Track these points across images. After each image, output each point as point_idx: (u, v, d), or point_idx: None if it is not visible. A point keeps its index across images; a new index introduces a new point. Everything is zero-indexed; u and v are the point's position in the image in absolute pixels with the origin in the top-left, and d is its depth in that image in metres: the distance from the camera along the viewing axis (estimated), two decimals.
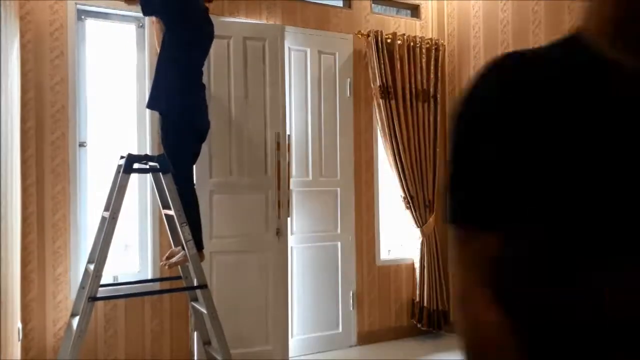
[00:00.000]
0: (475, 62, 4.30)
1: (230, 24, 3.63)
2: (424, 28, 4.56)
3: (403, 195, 4.22)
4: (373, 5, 4.38)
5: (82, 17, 3.40)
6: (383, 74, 4.13)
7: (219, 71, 3.55)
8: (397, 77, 4.20)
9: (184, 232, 2.85)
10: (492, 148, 0.79)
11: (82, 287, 2.91)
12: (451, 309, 4.48)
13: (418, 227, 4.26)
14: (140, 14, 3.41)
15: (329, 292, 4.09)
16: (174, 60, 2.95)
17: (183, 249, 2.92)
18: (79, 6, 3.34)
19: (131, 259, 3.58)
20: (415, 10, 4.62)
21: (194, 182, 3.29)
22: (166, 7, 2.95)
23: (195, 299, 3.11)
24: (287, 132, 3.78)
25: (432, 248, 4.31)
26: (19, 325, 3.05)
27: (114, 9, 3.42)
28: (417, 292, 4.31)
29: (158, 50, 3.19)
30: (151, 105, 3.00)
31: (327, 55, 4.13)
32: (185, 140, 3.03)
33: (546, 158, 0.76)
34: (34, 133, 3.21)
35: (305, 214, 4.02)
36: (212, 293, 2.98)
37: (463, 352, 0.81)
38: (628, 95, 0.77)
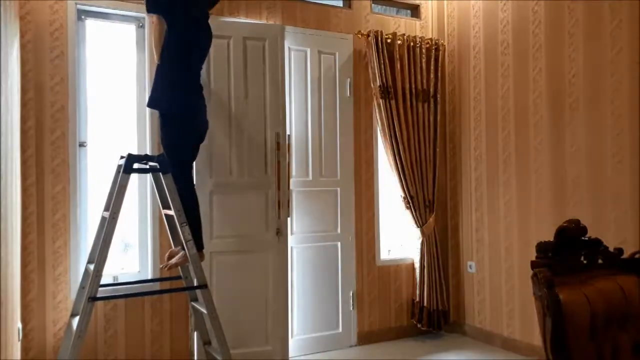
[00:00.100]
0: (475, 62, 4.30)
1: (230, 24, 3.63)
2: (424, 28, 4.56)
3: (403, 195, 4.22)
4: (373, 5, 4.37)
5: (82, 17, 3.40)
6: (383, 74, 4.13)
7: (219, 71, 3.55)
8: (397, 77, 4.20)
9: (184, 232, 2.85)
10: None
11: (82, 287, 2.92)
12: (451, 309, 4.48)
13: (418, 227, 4.26)
14: (140, 14, 3.43)
15: (329, 292, 4.09)
16: (176, 60, 2.96)
17: (183, 249, 2.92)
18: (79, 6, 3.34)
19: (131, 259, 3.58)
20: (415, 10, 4.62)
21: (194, 182, 3.29)
22: (171, 7, 2.96)
23: (195, 299, 3.11)
24: (287, 132, 3.78)
25: (432, 248, 4.31)
26: (19, 325, 3.06)
27: (114, 9, 3.42)
28: (417, 292, 4.31)
29: (154, 51, 3.21)
30: (151, 104, 3.01)
31: (327, 55, 4.13)
32: (185, 140, 3.03)
33: None
34: (34, 133, 3.21)
35: (305, 214, 4.02)
36: (212, 293, 2.98)
37: None
38: None
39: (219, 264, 3.53)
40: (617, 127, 3.29)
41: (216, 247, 3.51)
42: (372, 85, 4.19)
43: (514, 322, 3.97)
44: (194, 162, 3.27)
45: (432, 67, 4.37)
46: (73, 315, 2.89)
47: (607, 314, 1.72)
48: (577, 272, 1.80)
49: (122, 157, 2.87)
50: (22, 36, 3.16)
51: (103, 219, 2.90)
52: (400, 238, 4.48)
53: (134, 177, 3.18)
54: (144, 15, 3.43)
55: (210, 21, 3.17)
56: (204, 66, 3.24)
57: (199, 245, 2.97)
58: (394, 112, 4.16)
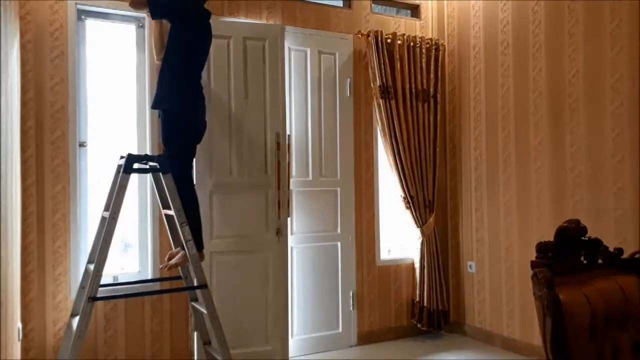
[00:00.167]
0: (475, 62, 4.30)
1: (230, 24, 3.63)
2: (424, 28, 4.56)
3: (403, 195, 4.22)
4: (373, 5, 4.37)
5: (82, 17, 3.40)
6: (383, 74, 4.13)
7: (219, 71, 3.55)
8: (397, 77, 4.20)
9: (184, 232, 2.85)
10: None
11: (82, 287, 2.92)
12: (451, 309, 4.48)
13: (418, 227, 4.26)
14: (140, 14, 3.43)
15: (329, 292, 4.09)
16: (180, 62, 2.97)
17: (183, 249, 2.92)
18: (79, 6, 3.34)
19: (131, 259, 3.58)
20: (415, 10, 4.62)
21: (194, 182, 3.29)
22: (174, 11, 2.97)
23: (195, 299, 3.11)
24: (287, 132, 3.78)
25: (432, 248, 4.31)
26: (19, 325, 3.06)
27: (114, 9, 3.42)
28: (417, 292, 4.31)
29: (154, 54, 3.23)
30: (156, 105, 3.02)
31: (327, 55, 4.13)
32: (186, 140, 3.04)
33: None
34: (34, 133, 3.21)
35: (305, 214, 4.02)
36: (212, 293, 2.98)
37: None
38: None
39: (219, 264, 3.53)
40: (617, 127, 3.29)
41: (216, 247, 3.51)
42: (372, 85, 4.19)
43: (514, 322, 3.97)
44: (194, 162, 3.27)
45: (432, 67, 4.37)
46: (73, 315, 2.89)
47: (607, 314, 1.72)
48: (577, 272, 1.80)
49: (122, 157, 2.87)
50: (22, 36, 3.16)
51: (103, 219, 2.90)
52: (400, 238, 4.48)
53: (134, 177, 3.18)
54: (144, 15, 3.43)
55: (210, 21, 3.17)
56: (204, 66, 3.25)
57: (199, 245, 2.97)
58: (394, 112, 4.16)
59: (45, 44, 3.24)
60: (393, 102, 4.17)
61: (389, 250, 4.45)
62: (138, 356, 3.43)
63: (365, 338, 4.19)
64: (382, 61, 4.13)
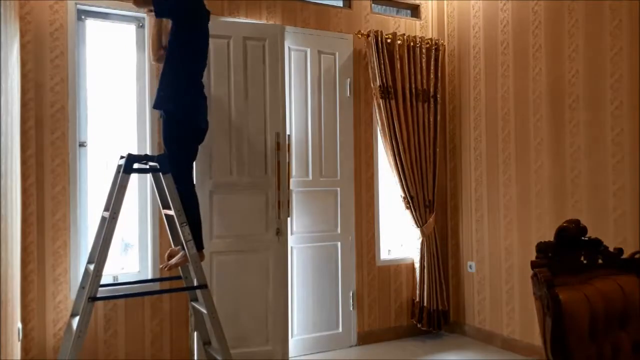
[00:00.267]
0: (475, 62, 4.30)
1: (230, 24, 3.63)
2: (424, 28, 4.56)
3: (403, 195, 4.22)
4: (373, 5, 4.37)
5: (82, 17, 3.40)
6: (383, 74, 4.13)
7: (219, 71, 3.55)
8: (397, 77, 4.20)
9: (184, 232, 2.85)
10: None
11: (82, 287, 2.92)
12: (451, 309, 4.48)
13: (418, 227, 4.26)
14: (140, 14, 3.43)
15: (329, 292, 4.09)
16: (182, 62, 2.97)
17: (183, 248, 2.92)
18: (79, 6, 3.34)
19: (131, 259, 3.58)
20: (415, 10, 4.62)
21: (194, 182, 3.29)
22: (179, 10, 2.97)
23: (195, 299, 3.11)
24: (287, 132, 3.78)
25: (432, 248, 4.31)
26: (19, 325, 3.06)
27: (114, 9, 3.42)
28: (417, 292, 4.31)
29: (150, 54, 3.23)
30: (158, 105, 3.02)
31: (327, 55, 4.13)
32: (188, 139, 3.05)
33: None
34: (34, 133, 3.21)
35: (305, 214, 4.02)
36: (212, 293, 2.98)
37: None
38: None
39: (219, 264, 3.53)
40: (617, 127, 3.29)
41: (216, 247, 3.51)
42: (372, 85, 4.19)
43: (513, 322, 3.97)
44: (194, 162, 3.27)
45: (432, 67, 4.37)
46: (73, 315, 2.89)
47: (607, 314, 1.72)
48: (577, 272, 1.80)
49: (122, 157, 2.87)
50: (22, 36, 3.16)
51: (103, 219, 2.90)
52: (400, 238, 4.48)
53: (134, 177, 3.18)
54: (144, 15, 3.44)
55: (210, 21, 3.17)
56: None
57: (199, 245, 2.97)
58: (394, 112, 4.16)
59: (45, 44, 3.24)
60: (393, 102, 4.17)
61: (389, 250, 4.45)
62: (138, 356, 3.43)
63: (365, 338, 4.19)
64: (382, 61, 4.13)
